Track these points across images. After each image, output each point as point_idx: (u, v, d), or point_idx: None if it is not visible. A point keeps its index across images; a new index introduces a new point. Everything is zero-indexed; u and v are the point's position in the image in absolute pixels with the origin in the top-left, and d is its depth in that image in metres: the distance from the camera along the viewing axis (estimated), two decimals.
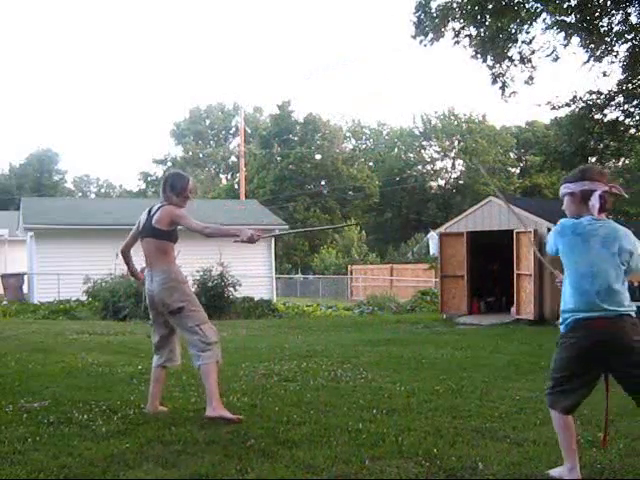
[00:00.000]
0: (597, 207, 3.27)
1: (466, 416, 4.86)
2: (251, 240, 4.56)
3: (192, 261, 16.57)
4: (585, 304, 3.27)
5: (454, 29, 15.20)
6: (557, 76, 69.58)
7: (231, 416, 4.54)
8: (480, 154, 49.64)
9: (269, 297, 20.25)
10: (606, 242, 3.27)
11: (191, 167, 59.21)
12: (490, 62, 15.57)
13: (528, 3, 14.77)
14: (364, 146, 58.73)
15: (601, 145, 17.38)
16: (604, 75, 15.83)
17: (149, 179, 62.58)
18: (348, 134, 58.15)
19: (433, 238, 31.43)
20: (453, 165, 53.76)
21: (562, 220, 3.40)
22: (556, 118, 18.78)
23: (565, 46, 15.25)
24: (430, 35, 15.19)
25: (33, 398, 5.25)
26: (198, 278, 16.11)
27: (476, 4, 14.36)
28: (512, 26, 14.95)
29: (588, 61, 15.35)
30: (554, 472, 3.49)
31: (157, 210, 4.84)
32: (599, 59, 15.37)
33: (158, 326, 4.92)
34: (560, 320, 3.44)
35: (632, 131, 17.30)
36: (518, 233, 13.97)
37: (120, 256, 5.37)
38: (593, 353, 3.29)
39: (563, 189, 3.45)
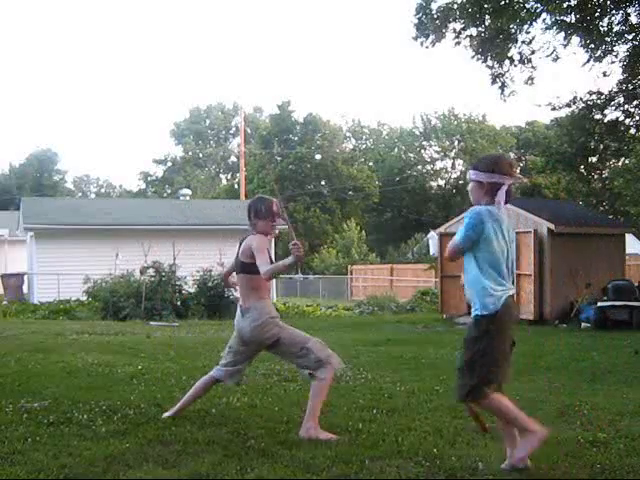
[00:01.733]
0: (502, 203, 3.47)
1: (466, 416, 4.85)
2: (300, 259, 4.37)
3: (192, 261, 16.63)
4: (503, 284, 3.49)
5: (455, 29, 15.19)
6: (557, 76, 69.51)
7: (328, 436, 4.20)
8: (480, 154, 49.63)
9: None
10: (509, 229, 3.55)
11: (191, 167, 59.24)
12: (490, 62, 15.57)
13: (528, 3, 14.76)
14: (364, 146, 58.71)
15: (601, 145, 17.40)
16: (604, 75, 15.85)
17: (149, 179, 62.58)
18: (348, 134, 58.14)
19: (433, 238, 31.42)
20: (453, 165, 53.73)
21: (478, 208, 3.47)
22: (556, 118, 18.79)
23: (565, 46, 15.27)
24: (431, 37, 15.18)
25: (33, 398, 5.25)
26: (198, 278, 16.12)
27: (475, 4, 14.35)
28: (512, 26, 14.94)
29: (588, 61, 15.36)
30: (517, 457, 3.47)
31: (243, 242, 4.59)
32: (599, 59, 15.38)
33: (237, 354, 4.61)
34: (485, 303, 3.47)
35: (632, 131, 17.31)
36: (518, 233, 13.97)
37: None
38: (510, 328, 3.59)
39: (472, 175, 3.54)
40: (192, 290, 16.06)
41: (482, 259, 3.45)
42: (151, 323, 13.65)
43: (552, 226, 13.64)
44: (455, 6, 14.73)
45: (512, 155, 53.70)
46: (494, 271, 3.46)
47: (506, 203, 3.50)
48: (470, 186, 3.59)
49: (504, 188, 3.45)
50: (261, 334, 4.43)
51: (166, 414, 4.70)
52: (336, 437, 4.19)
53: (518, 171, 3.52)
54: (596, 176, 20.79)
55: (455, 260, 3.62)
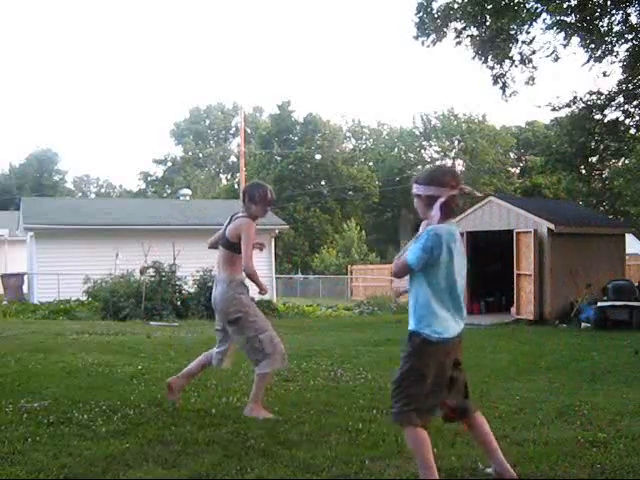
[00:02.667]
0: (436, 219, 3.24)
1: None
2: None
3: (192, 261, 16.62)
4: (452, 314, 3.27)
5: (456, 29, 15.18)
6: (557, 76, 69.52)
7: (267, 414, 4.70)
8: (480, 154, 49.66)
9: (269, 297, 20.24)
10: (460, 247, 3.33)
11: (191, 167, 59.25)
12: (491, 63, 15.57)
13: (528, 3, 14.76)
14: (364, 146, 58.73)
15: (601, 145, 17.40)
16: (604, 75, 15.84)
17: (149, 179, 62.60)
18: (348, 134, 58.16)
19: None
20: (453, 165, 53.74)
21: (438, 229, 3.21)
22: (556, 119, 18.79)
23: (565, 46, 15.25)
24: (432, 36, 15.17)
25: (33, 398, 5.25)
26: (198, 278, 16.11)
27: (476, 4, 14.35)
28: (512, 26, 14.93)
29: (588, 61, 15.35)
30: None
31: (234, 219, 4.88)
32: (599, 59, 15.37)
33: (220, 331, 4.96)
34: (426, 323, 3.20)
35: (632, 131, 17.31)
36: (518, 233, 13.98)
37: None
38: (447, 359, 3.30)
39: (414, 188, 3.37)
40: (192, 290, 16.06)
41: (435, 284, 3.21)
42: (151, 323, 13.65)
43: (552, 226, 13.64)
44: (456, 6, 14.73)
45: (512, 155, 53.79)
46: (446, 298, 3.23)
47: (449, 216, 3.28)
48: (415, 201, 3.42)
49: (441, 200, 3.23)
50: (227, 306, 4.77)
51: (171, 378, 5.07)
52: (274, 416, 4.66)
53: (462, 182, 3.32)
54: (596, 176, 20.78)
55: (400, 277, 3.38)
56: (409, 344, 3.22)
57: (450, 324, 3.22)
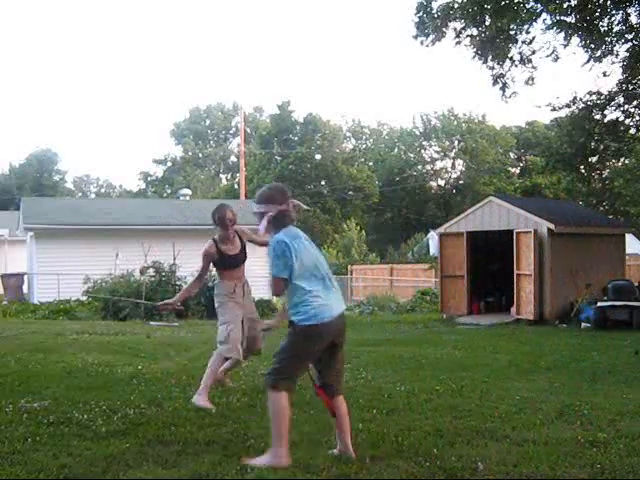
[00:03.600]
0: (262, 231, 3.88)
1: (466, 416, 4.86)
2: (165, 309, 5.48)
3: (192, 261, 16.60)
4: (320, 296, 3.76)
5: (455, 29, 15.17)
6: (557, 76, 69.47)
7: (209, 406, 5.12)
8: (480, 154, 49.65)
9: (269, 297, 20.23)
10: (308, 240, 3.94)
11: (191, 167, 59.23)
12: (490, 63, 15.55)
13: (528, 3, 14.75)
14: (364, 146, 58.70)
15: (601, 146, 17.39)
16: (604, 75, 15.82)
17: (149, 179, 62.57)
18: (348, 134, 58.13)
19: (433, 238, 31.43)
20: (453, 165, 53.71)
21: (276, 237, 3.79)
22: (556, 119, 18.77)
23: (565, 46, 15.22)
24: (431, 36, 15.15)
25: (33, 398, 5.26)
26: None
27: (476, 4, 14.34)
28: (512, 26, 14.92)
29: (588, 61, 15.33)
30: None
31: None
32: (599, 59, 15.35)
33: None
34: (299, 312, 3.71)
35: (632, 131, 17.30)
36: (518, 233, 13.98)
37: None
38: (324, 339, 3.80)
39: (254, 208, 3.94)
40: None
41: (298, 275, 3.72)
42: (151, 323, 13.65)
43: (552, 226, 13.64)
44: (456, 5, 14.72)
45: (512, 155, 53.78)
46: (315, 284, 3.76)
47: (282, 226, 3.83)
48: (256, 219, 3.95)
49: (268, 215, 3.82)
50: (215, 302, 5.75)
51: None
52: (212, 407, 5.06)
53: (289, 198, 3.94)
54: (596, 176, 20.76)
55: (282, 294, 3.83)
56: (290, 330, 3.75)
57: (316, 311, 3.69)
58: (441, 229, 16.25)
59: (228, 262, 5.67)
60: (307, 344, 3.70)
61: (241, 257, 5.75)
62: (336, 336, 3.79)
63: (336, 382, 3.84)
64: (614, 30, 15.16)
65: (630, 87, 15.90)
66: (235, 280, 5.71)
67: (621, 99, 16.19)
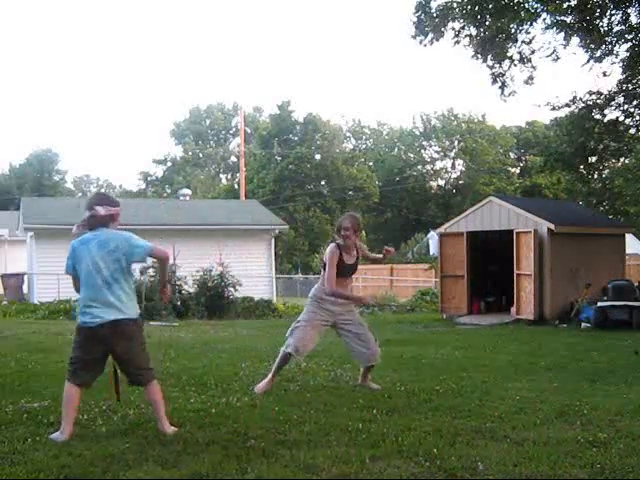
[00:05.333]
0: (73, 233, 4.35)
1: (466, 416, 4.86)
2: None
3: (192, 261, 16.62)
4: (90, 304, 4.21)
5: (454, 29, 15.17)
6: (557, 76, 69.52)
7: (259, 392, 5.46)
8: (480, 154, 49.66)
9: (269, 297, 20.24)
10: (108, 246, 4.27)
11: (191, 167, 59.23)
12: (490, 62, 15.54)
13: (528, 3, 14.74)
14: (364, 146, 58.71)
15: (601, 145, 17.38)
16: (604, 75, 15.81)
17: (149, 179, 62.58)
18: (348, 134, 58.13)
19: (433, 238, 31.42)
20: (453, 165, 53.76)
21: (74, 240, 4.29)
22: (556, 118, 18.77)
23: (565, 46, 15.21)
24: (430, 35, 15.16)
25: (33, 398, 5.26)
26: (198, 278, 16.10)
27: (476, 4, 14.34)
28: (512, 26, 14.91)
29: (588, 61, 15.33)
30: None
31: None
32: (599, 59, 15.35)
33: None
34: (79, 314, 4.28)
35: (632, 131, 17.29)
36: (518, 233, 13.97)
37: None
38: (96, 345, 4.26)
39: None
40: (192, 290, 16.06)
41: (81, 280, 4.23)
42: (151, 323, 13.64)
43: (552, 226, 13.63)
44: (455, 5, 14.72)
45: (512, 155, 53.75)
46: (86, 289, 4.22)
47: (89, 228, 4.27)
48: None
49: (82, 219, 4.29)
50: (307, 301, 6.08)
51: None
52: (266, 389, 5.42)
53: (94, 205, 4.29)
54: (596, 176, 20.76)
55: (76, 285, 4.30)
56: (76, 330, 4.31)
57: (96, 315, 4.16)
58: (441, 229, 16.24)
59: (342, 269, 5.76)
60: None
61: (354, 267, 5.90)
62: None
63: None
64: (614, 30, 15.16)
65: (630, 87, 15.89)
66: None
67: (621, 99, 16.19)
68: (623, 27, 15.09)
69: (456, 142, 52.62)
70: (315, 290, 5.93)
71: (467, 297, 15.02)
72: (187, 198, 29.48)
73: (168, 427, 4.29)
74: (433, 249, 31.99)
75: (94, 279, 4.18)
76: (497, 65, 15.64)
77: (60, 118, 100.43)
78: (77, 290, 4.30)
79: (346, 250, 5.79)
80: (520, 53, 15.60)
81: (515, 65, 15.69)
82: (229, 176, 62.61)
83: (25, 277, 21.75)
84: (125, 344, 4.23)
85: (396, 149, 54.83)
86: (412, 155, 54.05)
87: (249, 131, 50.11)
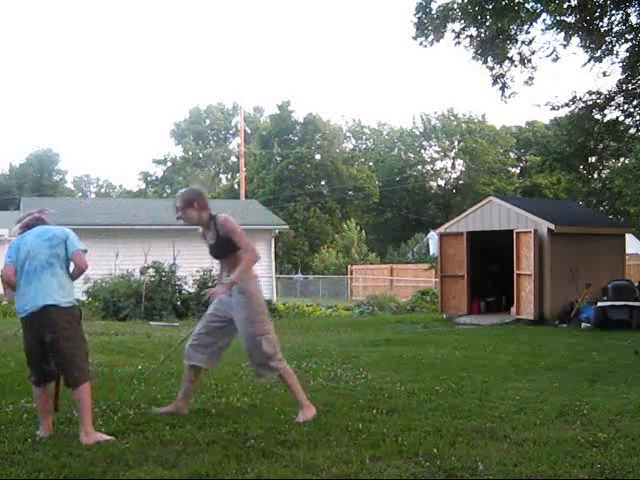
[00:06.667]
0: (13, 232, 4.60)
1: (466, 416, 4.86)
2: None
3: (192, 261, 16.61)
4: (24, 295, 4.28)
5: (454, 30, 15.17)
6: (557, 76, 69.46)
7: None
8: (480, 154, 49.65)
9: (269, 297, 20.23)
10: (36, 244, 4.38)
11: (191, 167, 59.22)
12: (490, 63, 15.53)
13: (528, 3, 14.73)
14: (364, 146, 58.69)
15: (601, 145, 17.37)
16: (604, 75, 15.79)
17: (149, 179, 62.56)
18: (348, 134, 58.11)
19: (433, 238, 31.42)
20: (453, 165, 53.71)
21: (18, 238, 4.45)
22: (556, 118, 18.74)
23: (565, 46, 15.18)
24: (431, 36, 15.15)
25: (33, 398, 5.25)
26: (198, 278, 16.10)
27: (476, 5, 14.33)
28: (512, 27, 14.91)
29: (588, 61, 15.30)
30: None
31: None
32: (599, 59, 15.33)
33: None
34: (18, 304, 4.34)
35: (632, 131, 17.27)
36: (518, 233, 13.97)
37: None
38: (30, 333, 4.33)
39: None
40: (192, 290, 16.05)
41: (20, 275, 4.29)
42: (151, 323, 13.65)
43: (552, 226, 13.64)
44: (455, 6, 14.72)
45: (512, 155, 53.78)
46: (21, 277, 4.28)
47: (26, 229, 4.43)
48: None
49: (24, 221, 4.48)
50: None
51: None
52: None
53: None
54: (596, 176, 20.74)
55: (11, 285, 4.35)
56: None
57: (27, 303, 4.22)
58: (441, 229, 16.25)
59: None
60: None
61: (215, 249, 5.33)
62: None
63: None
64: (614, 30, 15.14)
65: (630, 87, 15.88)
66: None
67: (621, 99, 16.18)
68: (623, 27, 15.08)
69: (456, 142, 52.58)
70: None
71: (467, 297, 15.02)
72: None
73: (91, 435, 4.08)
74: (433, 249, 31.99)
75: (29, 265, 4.26)
76: (497, 66, 15.62)
77: (60, 118, 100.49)
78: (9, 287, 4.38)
79: (205, 229, 5.29)
80: (520, 54, 15.58)
81: (515, 66, 15.66)
82: (229, 176, 62.60)
83: None
84: (53, 332, 4.16)
85: (396, 149, 54.78)
86: (412, 155, 54.01)
87: (249, 131, 50.12)
